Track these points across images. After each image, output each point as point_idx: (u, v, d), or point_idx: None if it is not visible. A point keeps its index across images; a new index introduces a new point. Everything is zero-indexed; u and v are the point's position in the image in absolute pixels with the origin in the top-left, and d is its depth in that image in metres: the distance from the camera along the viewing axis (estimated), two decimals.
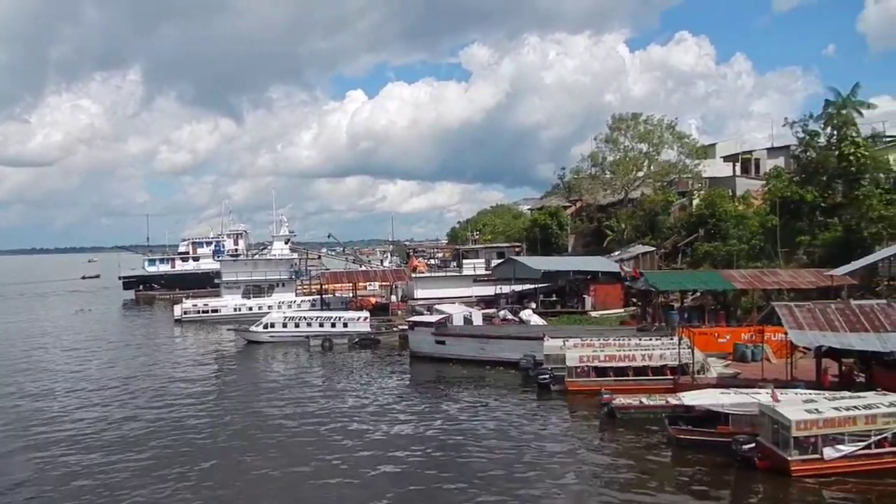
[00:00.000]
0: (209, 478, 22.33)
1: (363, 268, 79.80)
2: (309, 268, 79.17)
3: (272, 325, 51.07)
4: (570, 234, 78.66)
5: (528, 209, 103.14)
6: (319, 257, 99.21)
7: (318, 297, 64.85)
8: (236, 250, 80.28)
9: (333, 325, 50.14)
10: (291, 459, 23.71)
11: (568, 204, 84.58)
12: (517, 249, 74.35)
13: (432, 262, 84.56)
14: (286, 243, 75.55)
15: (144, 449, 25.40)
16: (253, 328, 51.48)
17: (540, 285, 56.13)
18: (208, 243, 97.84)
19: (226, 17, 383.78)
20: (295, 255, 77.17)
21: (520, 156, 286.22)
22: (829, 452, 20.02)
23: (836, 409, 20.65)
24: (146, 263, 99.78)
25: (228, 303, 67.84)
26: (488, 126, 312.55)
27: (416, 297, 63.35)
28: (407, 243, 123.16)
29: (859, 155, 44.87)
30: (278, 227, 76.26)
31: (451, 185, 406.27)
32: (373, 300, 63.64)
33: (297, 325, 50.67)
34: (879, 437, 20.18)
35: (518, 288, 57.60)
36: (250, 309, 65.56)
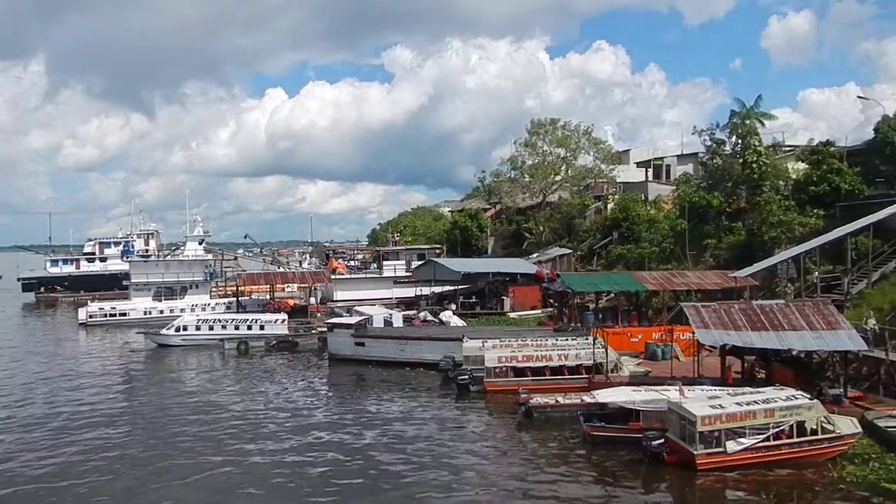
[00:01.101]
0: (114, 489, 21.37)
1: (281, 269, 78.38)
2: (224, 269, 77.14)
3: (184, 328, 49.41)
4: (489, 236, 79.65)
5: (449, 211, 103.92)
6: (235, 258, 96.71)
7: (234, 299, 63.21)
8: (147, 251, 77.11)
9: (249, 327, 49.00)
10: (204, 467, 22.98)
11: (488, 206, 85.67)
12: (438, 251, 74.85)
13: (352, 263, 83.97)
14: (200, 244, 73.20)
15: (47, 459, 24.08)
16: (164, 331, 49.67)
17: (460, 287, 56.59)
18: (116, 243, 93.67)
19: (137, 9, 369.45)
20: (210, 256, 74.93)
21: (441, 158, 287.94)
22: (731, 446, 20.99)
23: (737, 404, 21.67)
24: (48, 264, 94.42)
25: (138, 305, 65.18)
26: (411, 128, 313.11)
27: (335, 298, 62.77)
28: (327, 244, 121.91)
29: (761, 163, 47.26)
30: (192, 226, 73.85)
31: (373, 187, 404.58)
32: (291, 302, 62.52)
33: (211, 328, 49.25)
34: (777, 429, 21.31)
35: (438, 289, 57.88)
36: (161, 312, 63.24)
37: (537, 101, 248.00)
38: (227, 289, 69.75)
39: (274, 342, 47.60)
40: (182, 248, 76.32)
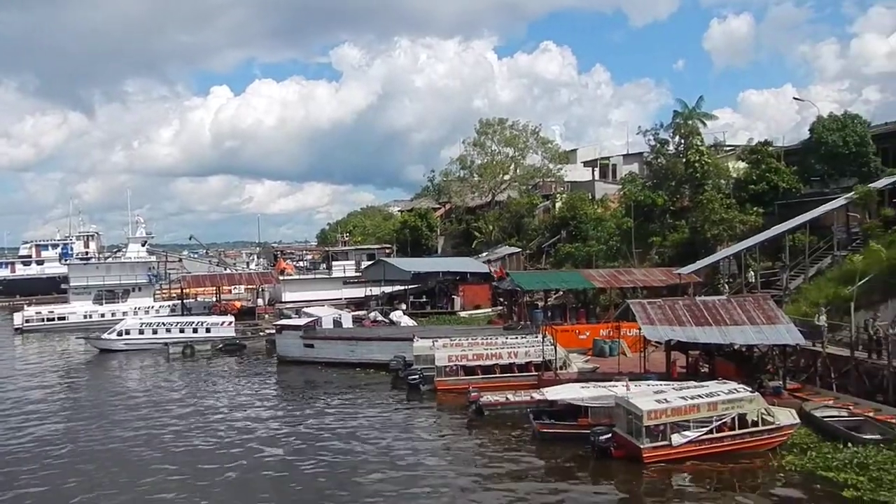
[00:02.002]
0: (48, 499, 20.61)
1: (228, 271, 76.94)
2: (169, 271, 75.32)
3: (127, 332, 48.09)
4: (439, 235, 79.76)
5: (399, 211, 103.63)
6: (180, 260, 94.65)
7: (179, 301, 61.76)
8: (87, 253, 74.84)
9: (195, 330, 47.99)
10: (146, 475, 22.32)
11: (437, 206, 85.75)
12: (387, 251, 74.58)
13: (301, 264, 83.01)
14: (143, 245, 71.24)
15: None
16: (105, 336, 48.24)
17: (410, 286, 56.47)
18: (54, 246, 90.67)
19: (75, 4, 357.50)
20: (153, 258, 73.02)
21: (391, 157, 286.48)
22: (676, 439, 21.44)
23: (682, 398, 22.17)
24: None
25: (77, 309, 63.02)
26: (359, 127, 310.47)
27: (284, 300, 62.02)
28: (275, 245, 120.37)
29: (703, 162, 48.42)
30: (134, 228, 71.77)
31: (321, 186, 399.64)
32: (238, 304, 61.43)
33: (154, 332, 48.04)
34: (720, 422, 21.85)
35: (388, 289, 57.68)
36: (102, 316, 61.34)
37: (486, 101, 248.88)
38: (172, 291, 68.15)
39: (221, 345, 46.75)
40: (124, 250, 74.20)
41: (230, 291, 66.51)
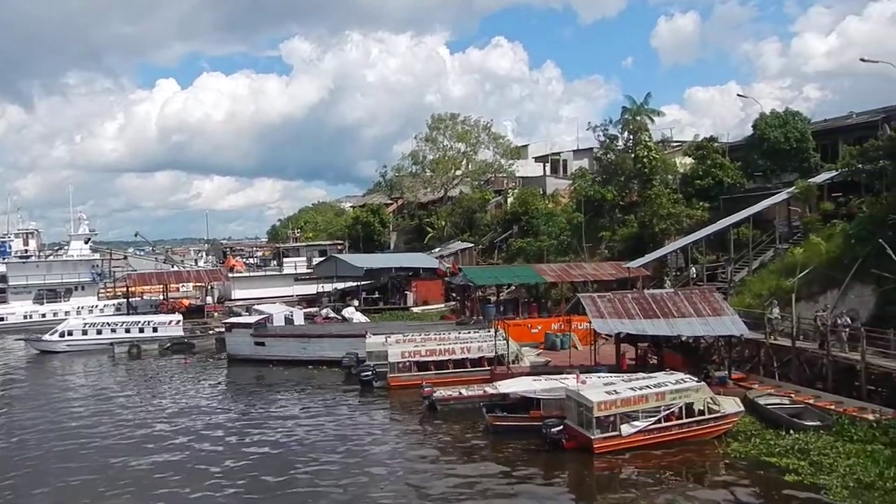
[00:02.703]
0: None
1: (175, 268, 75.29)
2: (113, 269, 73.18)
3: (70, 333, 46.66)
4: (392, 231, 79.49)
5: (351, 207, 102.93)
6: (125, 258, 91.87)
7: (124, 300, 60.15)
8: (26, 251, 72.12)
9: (141, 329, 46.85)
10: (89, 482, 21.65)
11: (390, 201, 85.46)
12: (339, 247, 74.07)
13: (251, 261, 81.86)
14: (86, 243, 69.19)
15: None
16: (47, 337, 46.70)
17: (363, 283, 56.23)
18: None
19: None
20: (96, 256, 70.97)
21: (342, 153, 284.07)
22: (626, 429, 21.80)
23: (631, 389, 22.56)
24: None
25: (17, 310, 60.92)
26: (310, 122, 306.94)
27: (233, 297, 61.06)
28: (224, 242, 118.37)
29: (651, 158, 49.30)
30: (76, 225, 69.68)
31: (272, 182, 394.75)
32: (186, 302, 60.24)
33: (99, 332, 46.73)
34: (668, 411, 22.31)
35: (341, 286, 57.33)
36: (43, 316, 59.46)
37: (438, 96, 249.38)
38: (117, 290, 66.28)
39: (168, 344, 45.75)
40: (66, 247, 71.92)
41: (178, 289, 65.21)
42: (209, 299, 61.36)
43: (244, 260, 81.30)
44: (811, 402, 24.35)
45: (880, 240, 27.11)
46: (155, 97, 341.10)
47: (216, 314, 55.37)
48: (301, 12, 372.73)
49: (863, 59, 44.42)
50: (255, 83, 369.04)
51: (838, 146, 41.53)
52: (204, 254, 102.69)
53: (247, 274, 67.20)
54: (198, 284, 64.28)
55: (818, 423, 22.47)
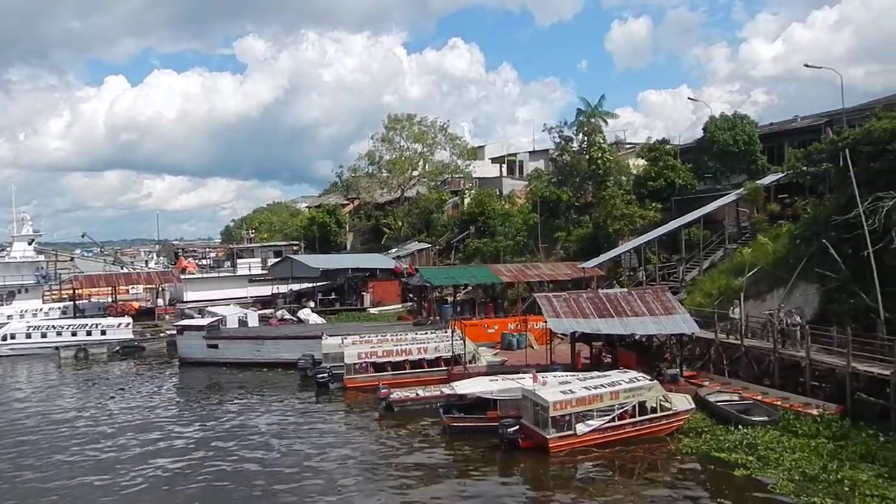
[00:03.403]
0: None
1: (125, 270, 73.46)
2: (59, 271, 70.98)
3: (12, 337, 45.28)
4: (348, 231, 78.95)
5: (307, 207, 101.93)
6: (72, 259, 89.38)
7: (71, 303, 58.40)
8: None
9: (89, 333, 45.65)
10: (34, 492, 20.98)
11: (346, 202, 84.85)
12: (295, 248, 73.25)
13: (204, 262, 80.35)
14: (30, 244, 66.76)
15: None
16: None
17: (319, 284, 55.71)
18: None
19: None
20: (41, 258, 68.58)
21: (298, 152, 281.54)
22: (581, 428, 22.07)
23: (586, 388, 22.84)
24: None
25: None
26: (265, 121, 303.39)
27: (186, 299, 59.77)
28: (175, 243, 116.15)
29: (605, 159, 50.02)
30: (20, 226, 67.21)
31: (226, 182, 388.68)
32: (136, 305, 58.76)
33: (43, 335, 45.40)
34: (622, 410, 22.65)
35: (296, 287, 56.68)
36: None
37: (395, 97, 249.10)
38: (63, 292, 64.32)
39: (117, 348, 44.67)
40: (8, 249, 69.41)
41: (127, 292, 63.56)
42: (160, 301, 59.94)
43: (197, 261, 79.71)
44: (759, 398, 25.04)
45: (823, 240, 27.94)
46: (103, 94, 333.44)
47: (167, 317, 54.20)
48: (255, 10, 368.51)
49: (807, 65, 45.95)
50: (208, 81, 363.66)
51: (784, 149, 42.79)
52: (155, 255, 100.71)
53: (199, 275, 65.85)
54: (148, 286, 62.67)
55: (765, 418, 23.11)
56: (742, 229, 39.62)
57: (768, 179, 39.74)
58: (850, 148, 27.56)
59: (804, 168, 33.82)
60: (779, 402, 24.23)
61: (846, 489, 17.84)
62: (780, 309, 27.96)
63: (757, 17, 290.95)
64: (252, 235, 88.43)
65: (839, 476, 18.48)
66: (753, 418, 23.20)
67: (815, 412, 22.80)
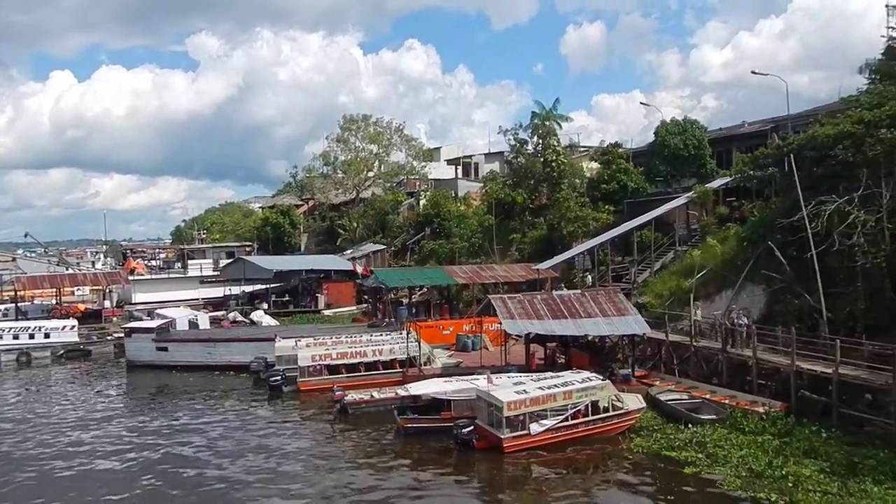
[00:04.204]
0: None
1: (70, 271, 71.35)
2: (0, 272, 68.68)
3: None
4: (303, 232, 78.18)
5: (260, 207, 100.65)
6: (14, 259, 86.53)
7: (13, 305, 56.42)
8: None
9: (32, 336, 44.02)
10: None
11: (301, 202, 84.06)
12: (248, 249, 72.29)
13: (154, 263, 78.64)
14: None
15: None
16: None
17: (272, 285, 55.03)
18: None
19: None
20: None
21: (252, 152, 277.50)
22: (535, 428, 22.20)
23: (540, 388, 23.00)
24: None
25: None
26: (218, 119, 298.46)
27: (134, 301, 58.32)
28: (124, 243, 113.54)
29: (560, 162, 50.58)
30: None
31: (177, 181, 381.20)
32: (82, 307, 57.02)
33: None
34: (575, 409, 22.87)
35: (249, 288, 55.86)
36: None
37: (351, 97, 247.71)
38: (4, 294, 62.14)
39: (62, 351, 43.28)
40: None
41: (73, 293, 61.72)
42: (107, 303, 58.29)
43: (146, 262, 78.02)
44: (708, 396, 25.57)
45: (769, 242, 28.67)
46: (49, 90, 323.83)
47: (115, 319, 52.78)
48: (208, 7, 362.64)
49: (754, 72, 47.32)
50: (159, 78, 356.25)
51: (732, 153, 43.87)
52: (102, 255, 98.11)
53: (148, 277, 64.49)
54: (95, 288, 60.96)
55: (714, 416, 23.60)
56: (692, 232, 40.46)
57: (717, 183, 40.68)
58: (795, 153, 28.35)
59: (751, 172, 34.66)
60: (727, 401, 24.78)
61: (790, 484, 18.33)
62: (729, 310, 28.65)
63: (707, 24, 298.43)
64: (204, 236, 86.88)
65: (784, 472, 18.98)
66: (702, 417, 23.67)
67: (761, 410, 23.39)
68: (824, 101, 45.53)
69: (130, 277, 61.14)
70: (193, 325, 44.01)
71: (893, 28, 34.90)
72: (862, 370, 21.98)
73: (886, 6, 33.65)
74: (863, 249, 24.51)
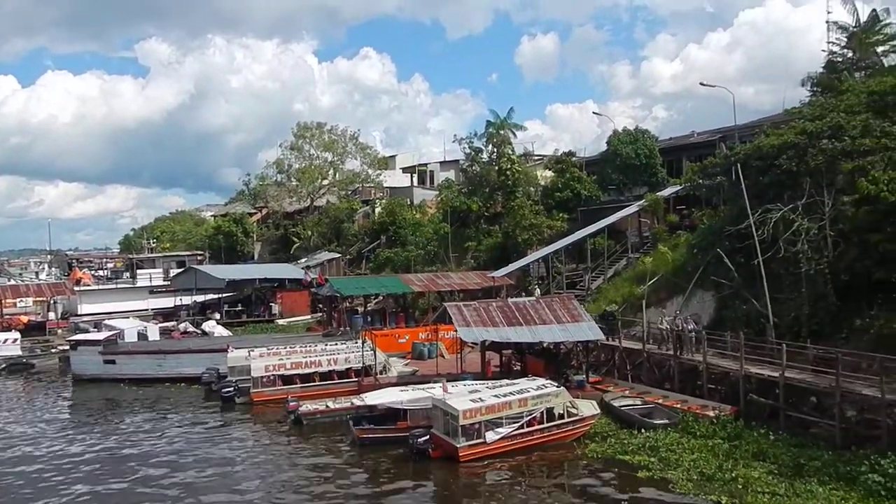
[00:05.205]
0: None
1: (11, 281, 69.01)
2: None
3: None
4: (256, 241, 77.16)
5: (212, 216, 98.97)
6: None
7: None
8: None
9: None
10: None
11: (254, 211, 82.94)
12: (199, 258, 71.07)
13: (101, 273, 76.55)
14: None
15: None
16: None
17: (224, 295, 54.12)
18: None
19: None
20: None
21: (203, 159, 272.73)
22: (490, 436, 22.20)
23: (495, 396, 23.02)
24: None
25: None
26: (169, 126, 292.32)
27: (80, 312, 56.72)
28: (69, 253, 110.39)
29: (514, 170, 50.99)
30: None
31: (125, 189, 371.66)
32: (24, 319, 55.16)
33: None
34: (530, 417, 22.96)
35: (200, 298, 54.81)
36: None
37: (306, 105, 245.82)
38: None
39: (3, 365, 41.73)
40: None
41: (15, 305, 59.59)
42: (52, 315, 56.51)
43: (93, 272, 75.92)
44: (660, 401, 25.96)
45: (718, 249, 29.34)
46: None
47: (60, 331, 51.26)
48: (158, 13, 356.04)
49: (702, 84, 48.63)
50: (107, 84, 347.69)
51: (682, 162, 44.88)
52: (46, 266, 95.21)
53: (95, 287, 62.77)
54: (38, 299, 59.00)
55: (666, 421, 23.97)
56: (644, 239, 41.16)
57: (668, 191, 41.50)
58: (742, 162, 29.08)
59: (700, 181, 35.44)
60: (678, 405, 25.20)
61: (740, 486, 18.71)
62: (676, 315, 29.17)
63: (657, 37, 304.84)
64: (153, 245, 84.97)
65: (734, 474, 19.35)
66: (655, 421, 24.01)
67: (711, 414, 23.83)
68: (769, 112, 46.98)
69: (76, 288, 59.49)
70: (143, 336, 42.97)
71: (833, 43, 36.32)
72: (807, 374, 22.61)
73: (827, 22, 34.95)
74: (807, 256, 25.25)
